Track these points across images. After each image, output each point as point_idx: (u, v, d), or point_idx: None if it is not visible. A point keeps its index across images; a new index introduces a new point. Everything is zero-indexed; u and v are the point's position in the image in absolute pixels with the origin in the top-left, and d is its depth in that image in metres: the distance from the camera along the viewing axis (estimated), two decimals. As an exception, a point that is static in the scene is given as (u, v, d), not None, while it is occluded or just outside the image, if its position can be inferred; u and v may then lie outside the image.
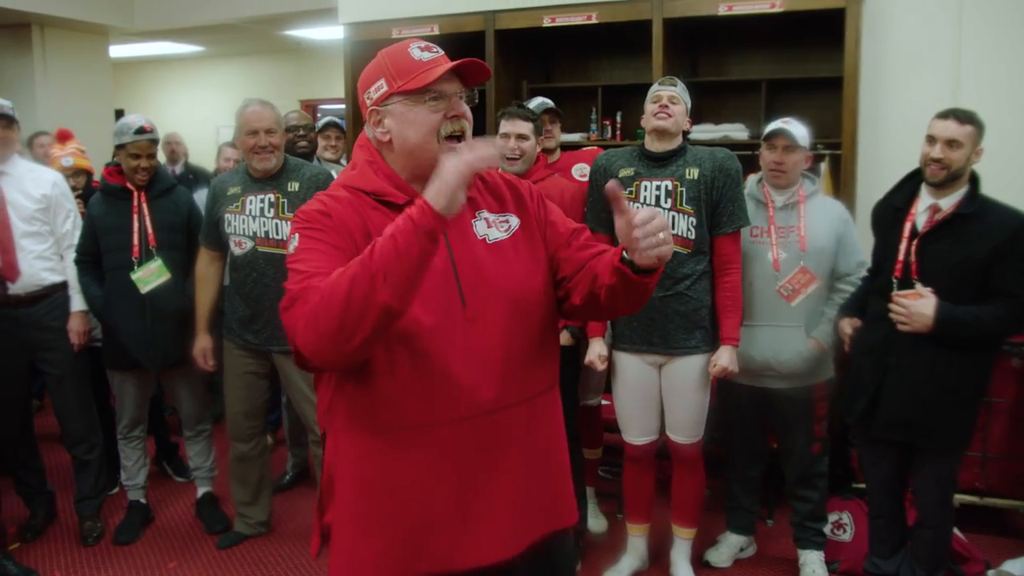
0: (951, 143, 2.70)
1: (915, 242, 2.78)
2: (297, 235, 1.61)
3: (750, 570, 3.46)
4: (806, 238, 3.12)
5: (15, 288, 3.52)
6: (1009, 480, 3.61)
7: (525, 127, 3.20)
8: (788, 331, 3.14)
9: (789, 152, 3.09)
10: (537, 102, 3.68)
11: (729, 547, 3.49)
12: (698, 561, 3.39)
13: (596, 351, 3.15)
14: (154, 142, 3.56)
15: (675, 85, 3.02)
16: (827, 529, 3.40)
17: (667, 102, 2.99)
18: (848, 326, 3.02)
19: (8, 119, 3.57)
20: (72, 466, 3.84)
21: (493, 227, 1.70)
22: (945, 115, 2.74)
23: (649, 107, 3.02)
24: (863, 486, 3.68)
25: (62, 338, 3.66)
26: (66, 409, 3.75)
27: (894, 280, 2.81)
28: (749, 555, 3.54)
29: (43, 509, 3.87)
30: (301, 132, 4.15)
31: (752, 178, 3.28)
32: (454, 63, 1.64)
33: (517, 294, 1.66)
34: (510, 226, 1.71)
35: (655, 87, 3.05)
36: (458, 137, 1.64)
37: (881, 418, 2.84)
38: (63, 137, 4.42)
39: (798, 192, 3.17)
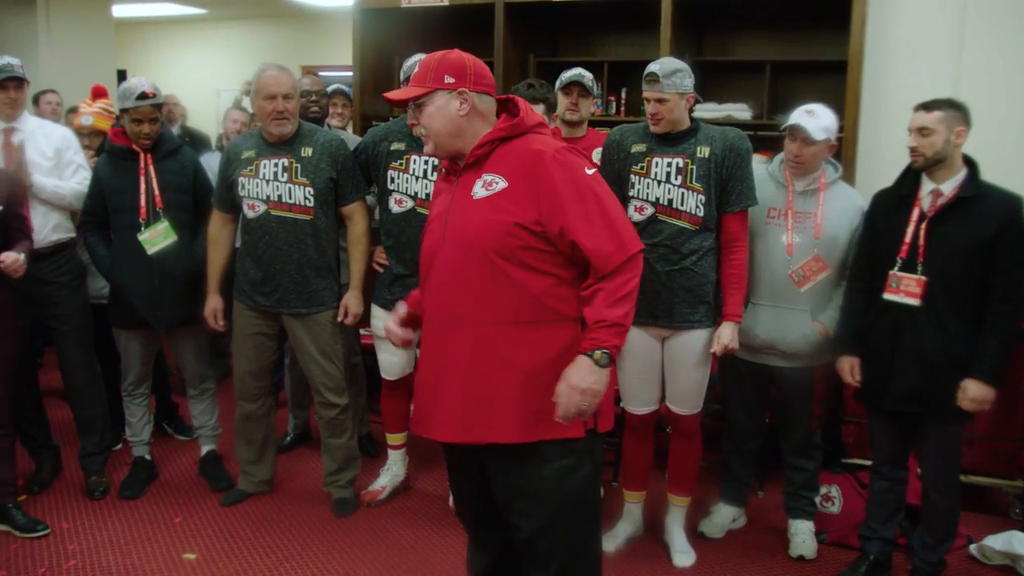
0: (922, 131, 2.86)
1: (924, 225, 2.87)
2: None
3: (742, 540, 3.56)
4: (822, 226, 3.18)
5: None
6: (992, 459, 3.72)
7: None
8: (795, 313, 3.21)
9: (807, 145, 3.11)
10: (572, 73, 3.58)
11: (721, 518, 3.59)
12: (691, 531, 3.48)
13: None
14: (157, 107, 3.57)
15: (657, 82, 3.00)
16: (817, 501, 3.50)
17: (654, 107, 3.02)
18: (848, 366, 3.11)
19: (19, 80, 3.60)
20: (75, 421, 3.90)
21: (483, 187, 2.09)
22: (916, 107, 2.91)
23: (646, 104, 3.07)
24: (852, 461, 3.81)
25: (70, 295, 3.72)
26: (71, 365, 3.80)
27: (899, 260, 2.91)
28: (740, 526, 3.65)
29: (49, 463, 3.94)
30: (313, 98, 4.17)
31: (776, 158, 3.31)
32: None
33: (472, 240, 2.07)
34: (495, 186, 2.08)
35: (644, 84, 3.04)
36: None
37: (893, 390, 2.95)
38: (97, 94, 4.36)
39: (819, 179, 3.21)
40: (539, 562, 2.16)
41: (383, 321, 3.52)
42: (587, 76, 3.58)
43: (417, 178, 3.43)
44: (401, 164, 3.45)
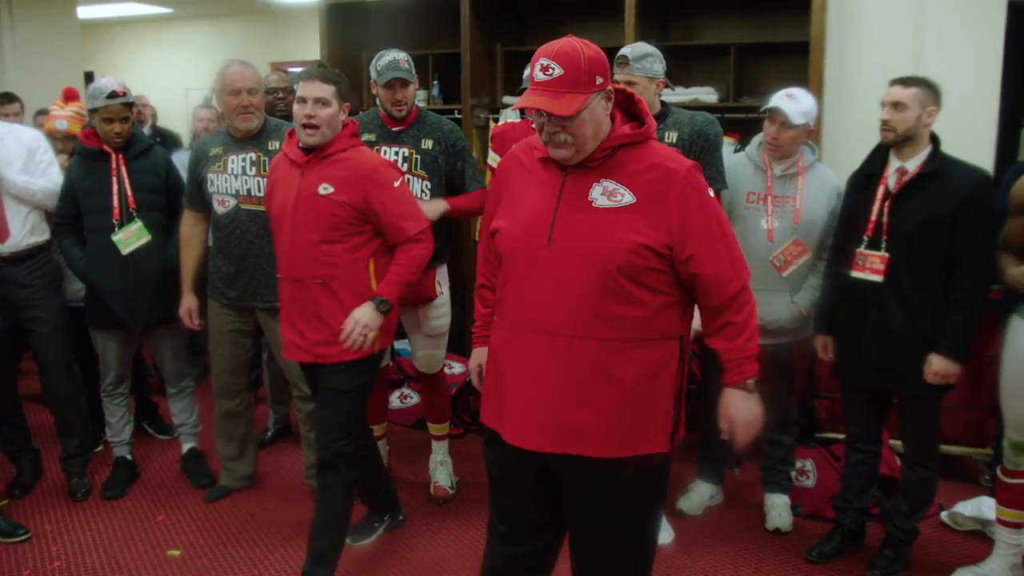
0: (896, 105, 2.89)
1: (887, 202, 2.93)
2: None
3: (719, 515, 3.62)
4: (801, 210, 3.22)
5: (2, 248, 3.56)
6: (963, 428, 3.80)
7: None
8: (776, 295, 3.26)
9: (785, 128, 3.15)
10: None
11: (699, 495, 3.65)
12: (671, 509, 3.54)
13: None
14: (128, 105, 3.57)
15: (627, 65, 3.02)
16: (792, 475, 3.57)
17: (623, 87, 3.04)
18: (821, 344, 3.19)
19: None
20: (56, 425, 3.90)
21: (605, 196, 1.96)
22: (893, 82, 2.94)
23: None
24: (825, 435, 3.88)
25: (47, 297, 3.71)
26: (50, 368, 3.80)
27: (864, 239, 2.96)
28: (717, 503, 3.71)
29: (30, 466, 3.94)
30: (280, 95, 4.18)
31: (755, 140, 3.34)
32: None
33: (595, 252, 1.93)
34: (620, 198, 1.96)
35: (615, 67, 3.03)
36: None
37: (861, 366, 3.01)
38: (68, 96, 4.31)
39: (797, 162, 3.24)
40: (603, 570, 2.12)
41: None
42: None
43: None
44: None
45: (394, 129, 3.47)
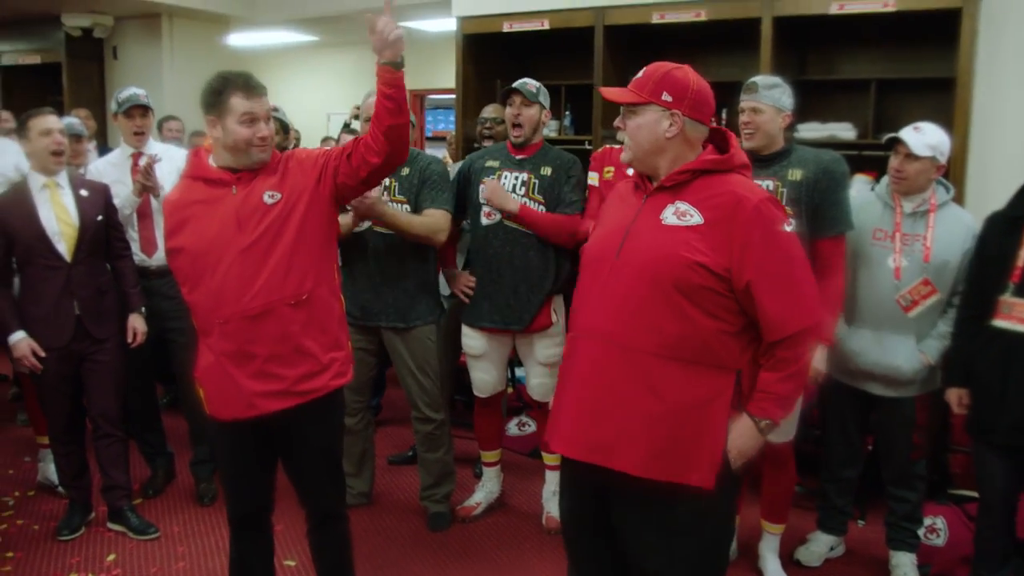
0: None
1: None
2: None
3: (840, 569, 3.47)
4: (932, 249, 3.07)
5: (150, 261, 3.78)
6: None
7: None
8: (900, 339, 3.12)
9: (910, 161, 3.03)
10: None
11: (819, 546, 3.51)
12: (788, 559, 3.42)
13: None
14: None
15: (755, 91, 3.00)
16: (920, 533, 3.38)
17: (748, 116, 3.01)
18: (956, 397, 3.03)
19: (145, 108, 3.85)
20: (189, 430, 4.08)
21: (676, 216, 2.04)
22: None
23: (740, 115, 3.06)
24: (959, 492, 3.66)
25: (187, 308, 3.89)
26: (189, 377, 3.97)
27: (1010, 285, 2.80)
28: (838, 555, 3.55)
29: (163, 469, 4.15)
30: (488, 125, 4.34)
31: (884, 179, 3.22)
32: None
33: (652, 265, 2.00)
34: (689, 218, 2.02)
35: (742, 94, 3.05)
36: None
37: (1005, 423, 2.84)
38: None
39: (929, 200, 3.10)
40: None
41: (474, 340, 3.60)
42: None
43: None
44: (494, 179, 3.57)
45: (517, 157, 3.57)
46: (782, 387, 2.04)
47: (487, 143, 4.29)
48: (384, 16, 2.39)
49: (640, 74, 2.10)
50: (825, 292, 2.99)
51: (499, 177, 3.54)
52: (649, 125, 2.07)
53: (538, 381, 3.70)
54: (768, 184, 2.99)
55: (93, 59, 7.98)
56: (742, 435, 2.05)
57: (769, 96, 2.98)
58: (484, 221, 3.56)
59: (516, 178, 3.52)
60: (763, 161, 3.03)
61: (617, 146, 3.62)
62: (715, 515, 2.10)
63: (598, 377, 2.05)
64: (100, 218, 3.51)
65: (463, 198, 3.66)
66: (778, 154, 3.03)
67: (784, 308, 1.99)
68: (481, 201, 3.54)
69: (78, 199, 3.49)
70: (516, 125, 3.54)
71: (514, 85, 3.55)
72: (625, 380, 2.02)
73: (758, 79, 3.04)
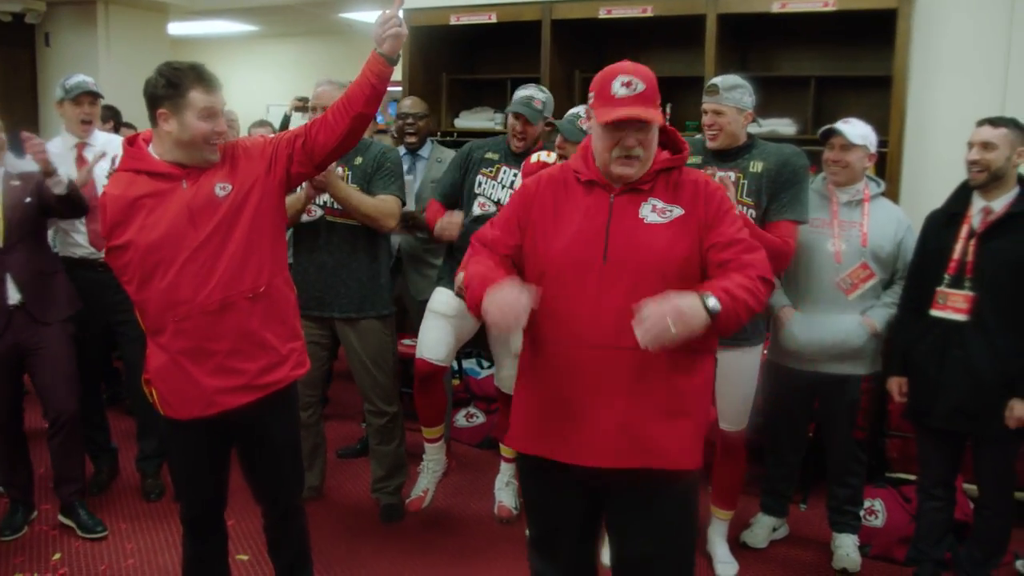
0: (986, 145, 2.87)
1: (973, 241, 2.89)
2: None
3: (785, 551, 3.58)
4: (868, 234, 3.22)
5: (99, 255, 3.70)
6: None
7: None
8: (844, 317, 3.25)
9: (847, 150, 3.20)
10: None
11: (763, 528, 3.62)
12: (734, 542, 3.51)
13: None
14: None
15: (716, 94, 3.05)
16: (861, 514, 3.50)
17: (711, 119, 3.06)
18: (896, 385, 3.15)
19: (94, 95, 3.77)
20: (137, 425, 4.02)
21: (655, 213, 2.07)
22: (981, 122, 2.93)
23: (704, 116, 3.11)
24: (896, 475, 3.81)
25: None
26: (136, 371, 3.92)
27: (946, 277, 2.93)
28: (781, 536, 3.67)
29: (107, 465, 4.08)
30: (410, 120, 4.29)
31: (819, 175, 3.37)
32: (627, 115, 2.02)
33: (653, 262, 2.02)
34: (671, 214, 2.07)
35: (704, 96, 3.11)
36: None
37: (941, 407, 2.95)
38: None
39: (863, 191, 3.27)
40: None
41: (449, 298, 3.51)
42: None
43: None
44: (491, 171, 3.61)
45: (517, 153, 3.60)
46: (732, 284, 1.98)
47: (409, 139, 4.27)
48: (394, 8, 2.45)
49: (642, 87, 2.03)
50: (770, 245, 2.88)
51: (498, 171, 3.57)
52: (655, 135, 2.10)
53: (508, 373, 3.67)
54: (731, 175, 3.05)
55: (24, 46, 7.74)
56: (685, 301, 1.90)
57: (730, 97, 3.04)
58: (477, 211, 3.56)
59: (515, 175, 3.54)
60: (726, 155, 3.10)
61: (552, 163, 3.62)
62: (695, 492, 2.19)
63: (620, 384, 2.02)
64: (28, 200, 3.39)
65: (459, 185, 3.67)
66: (740, 148, 3.10)
67: (738, 232, 2.09)
68: (476, 192, 3.57)
69: (5, 186, 3.37)
70: (519, 138, 3.56)
71: (519, 108, 3.54)
72: (651, 382, 2.03)
73: (718, 81, 3.08)
